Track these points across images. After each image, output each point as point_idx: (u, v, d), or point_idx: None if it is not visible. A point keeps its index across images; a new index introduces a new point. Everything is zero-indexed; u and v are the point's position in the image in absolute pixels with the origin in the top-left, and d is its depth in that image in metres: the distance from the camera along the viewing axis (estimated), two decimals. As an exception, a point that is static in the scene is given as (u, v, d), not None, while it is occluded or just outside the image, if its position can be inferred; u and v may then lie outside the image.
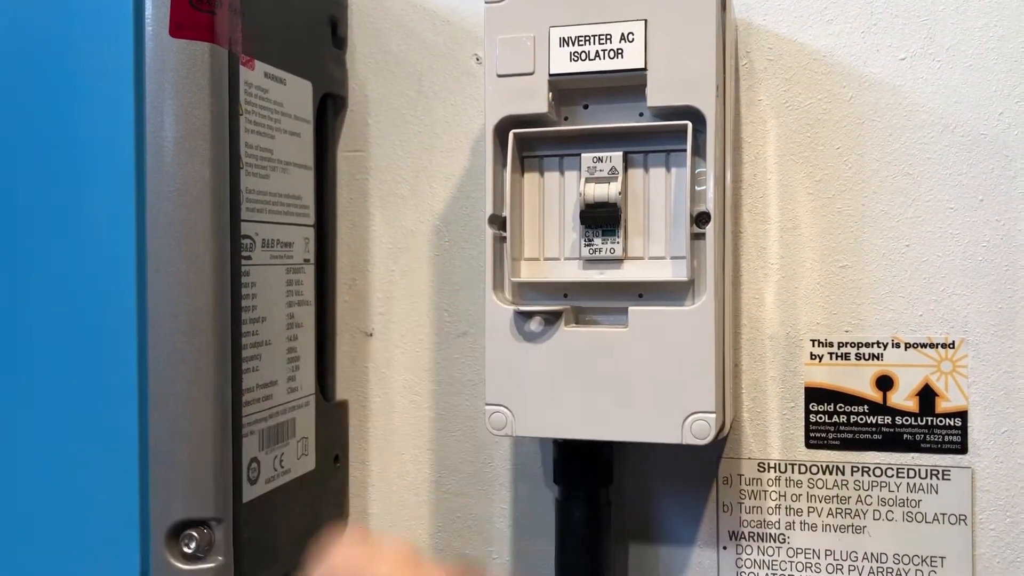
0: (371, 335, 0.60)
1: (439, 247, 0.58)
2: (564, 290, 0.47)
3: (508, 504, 0.58)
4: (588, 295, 0.47)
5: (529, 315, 0.46)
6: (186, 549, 0.43)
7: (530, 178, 0.48)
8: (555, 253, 0.48)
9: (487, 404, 0.47)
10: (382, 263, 0.60)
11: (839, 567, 0.53)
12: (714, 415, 0.44)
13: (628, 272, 0.46)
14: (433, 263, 0.59)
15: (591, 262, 0.47)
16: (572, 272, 0.47)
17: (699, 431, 0.44)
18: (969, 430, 0.51)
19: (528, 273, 0.48)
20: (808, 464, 0.53)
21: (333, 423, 0.58)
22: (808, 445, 0.53)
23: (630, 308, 0.45)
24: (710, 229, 0.44)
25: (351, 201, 0.60)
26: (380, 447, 0.60)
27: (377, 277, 0.60)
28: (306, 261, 0.54)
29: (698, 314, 0.44)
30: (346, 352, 0.60)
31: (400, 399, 0.60)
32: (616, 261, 0.47)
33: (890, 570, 0.52)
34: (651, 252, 0.46)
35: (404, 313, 0.59)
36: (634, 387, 0.45)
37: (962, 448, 0.51)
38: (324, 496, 0.57)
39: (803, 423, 0.53)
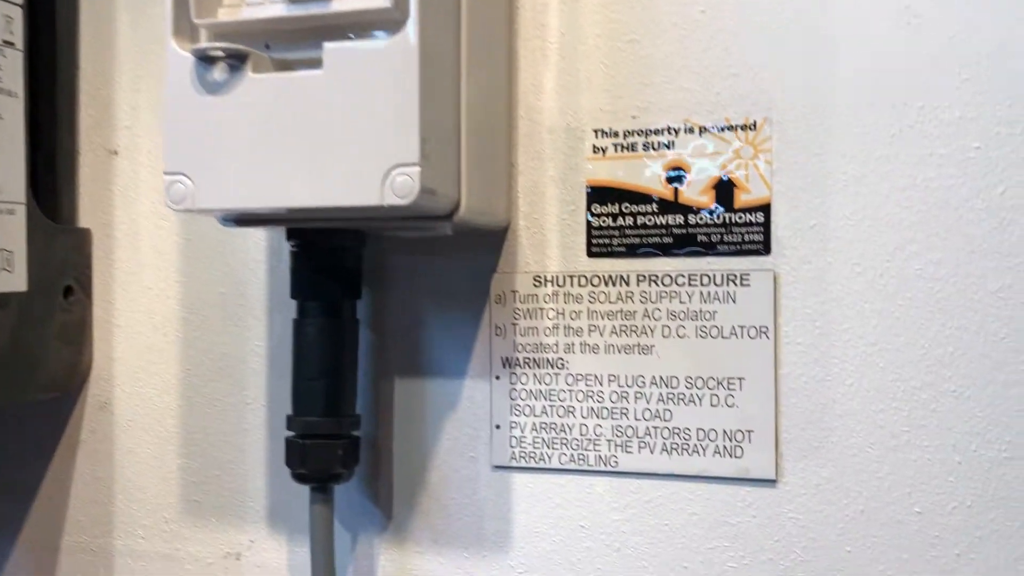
0: (116, 153, 0.51)
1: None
2: (263, 37, 0.38)
3: (263, 341, 0.49)
4: (291, 43, 0.38)
5: (211, 60, 0.37)
6: None
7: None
8: (259, -1, 0.39)
9: (165, 173, 0.38)
10: (128, 69, 0.51)
11: (624, 394, 0.44)
12: (418, 168, 0.35)
13: (332, 4, 0.37)
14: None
15: (296, 3, 0.38)
16: (268, 10, 0.38)
17: (401, 188, 0.35)
18: (773, 226, 0.42)
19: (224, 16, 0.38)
20: (589, 275, 0.44)
21: (67, 250, 0.49)
22: (590, 254, 0.44)
23: (325, 45, 0.36)
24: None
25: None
26: (126, 281, 0.51)
27: (122, 87, 0.51)
28: (6, 43, 0.45)
29: (398, 49, 0.35)
30: (89, 174, 0.52)
31: (147, 225, 0.50)
32: (325, 2, 0.38)
33: (681, 395, 0.43)
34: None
35: (152, 126, 0.51)
36: (330, 143, 0.35)
37: (764, 248, 0.42)
38: (46, 330, 0.48)
39: (584, 228, 0.44)
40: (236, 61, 0.36)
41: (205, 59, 0.36)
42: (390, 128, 0.34)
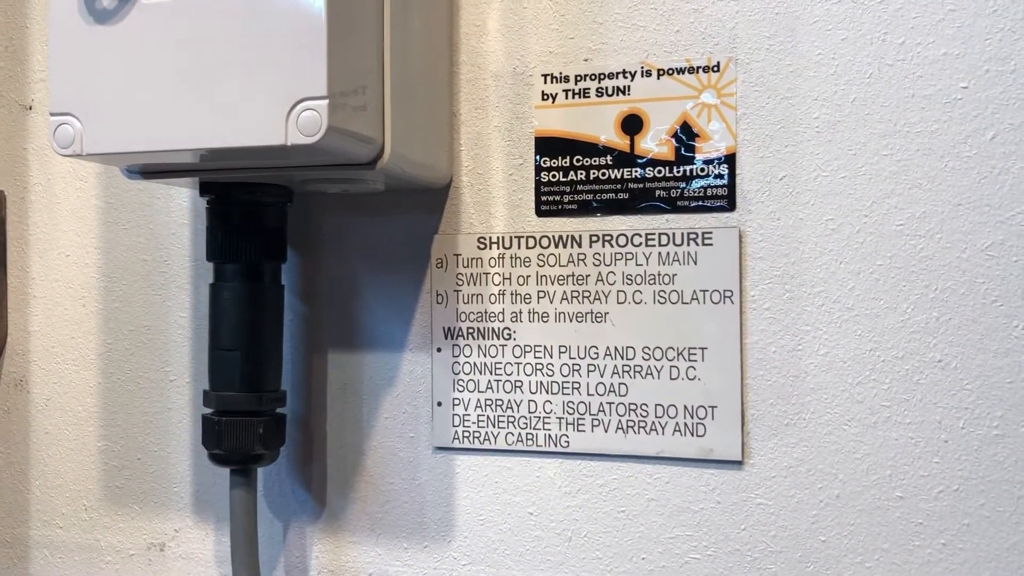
0: (30, 108, 0.47)
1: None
2: (160, -38, 0.34)
3: (187, 312, 0.45)
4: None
5: (97, -16, 0.33)
6: None
7: None
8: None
9: (51, 115, 0.34)
10: (42, 17, 0.47)
11: (576, 367, 0.39)
12: (326, 102, 0.31)
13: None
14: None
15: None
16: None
17: (307, 124, 0.31)
18: (738, 179, 0.38)
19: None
20: (538, 236, 0.40)
21: (-24, 215, 0.45)
22: (539, 213, 0.40)
23: (224, -35, 0.32)
24: None
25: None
26: (43, 248, 0.47)
27: (36, 36, 0.47)
28: None
29: (306, -36, 0.31)
30: (1, 131, 0.47)
31: (64, 186, 0.46)
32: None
33: (638, 368, 0.39)
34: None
35: (69, 79, 0.46)
36: (230, 77, 0.31)
37: (729, 204, 0.38)
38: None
39: (533, 184, 0.40)
40: (126, -15, 0.32)
41: (91, -17, 0.32)
42: (295, 57, 0.30)
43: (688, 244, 0.37)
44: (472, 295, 0.40)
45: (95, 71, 0.32)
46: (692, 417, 0.37)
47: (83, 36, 0.32)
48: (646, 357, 0.38)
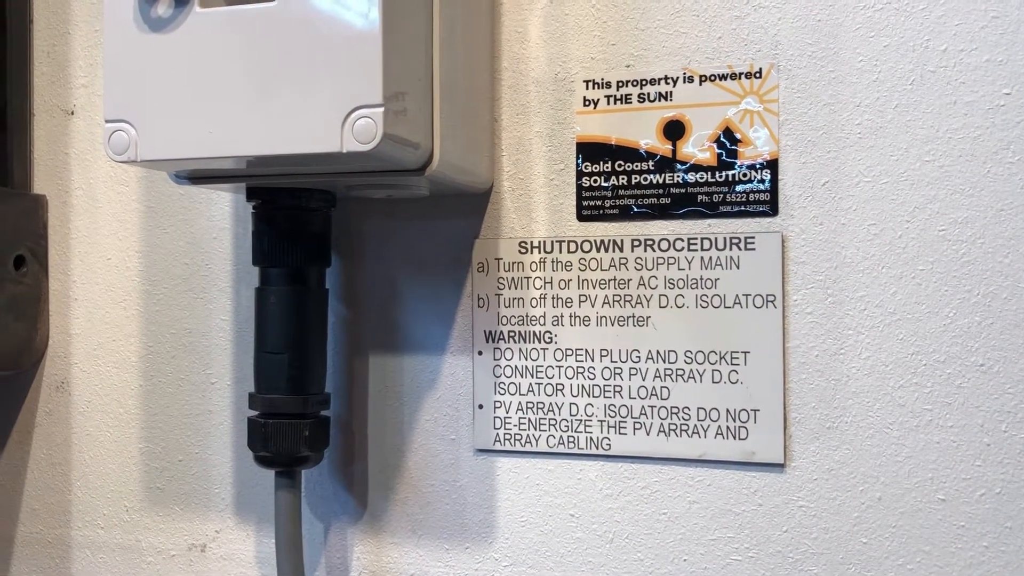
0: (72, 114, 0.47)
1: None
2: (213, -29, 0.35)
3: (228, 315, 0.45)
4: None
5: (153, -7, 0.33)
6: None
7: None
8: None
9: (106, 121, 0.34)
10: (84, 22, 0.47)
11: (617, 371, 0.40)
12: (381, 109, 0.31)
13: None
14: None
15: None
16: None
17: (363, 132, 0.31)
18: (780, 184, 0.38)
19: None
20: (580, 240, 0.40)
21: (19, 217, 0.45)
22: (580, 217, 0.40)
23: (279, -26, 0.32)
24: None
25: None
26: (84, 252, 0.47)
27: (79, 42, 0.47)
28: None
29: (362, -27, 0.31)
30: (43, 135, 0.48)
31: (106, 191, 0.47)
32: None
33: (680, 371, 0.39)
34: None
35: (111, 84, 0.47)
36: (285, 85, 0.32)
37: (771, 209, 0.38)
38: (-5, 303, 0.44)
39: (574, 189, 0.40)
40: (181, -6, 0.32)
41: (147, -9, 0.32)
42: (350, 66, 0.30)
43: (731, 248, 0.37)
44: (513, 299, 0.40)
45: (150, 79, 0.33)
46: (734, 420, 0.37)
47: (138, 44, 0.33)
48: (688, 361, 0.38)
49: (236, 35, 0.32)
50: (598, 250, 0.39)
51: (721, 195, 0.38)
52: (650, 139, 0.38)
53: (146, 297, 0.45)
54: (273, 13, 0.32)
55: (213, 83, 0.32)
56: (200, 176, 0.36)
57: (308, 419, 0.38)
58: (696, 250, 0.38)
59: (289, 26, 0.31)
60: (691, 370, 0.38)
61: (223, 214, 0.44)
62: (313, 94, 0.31)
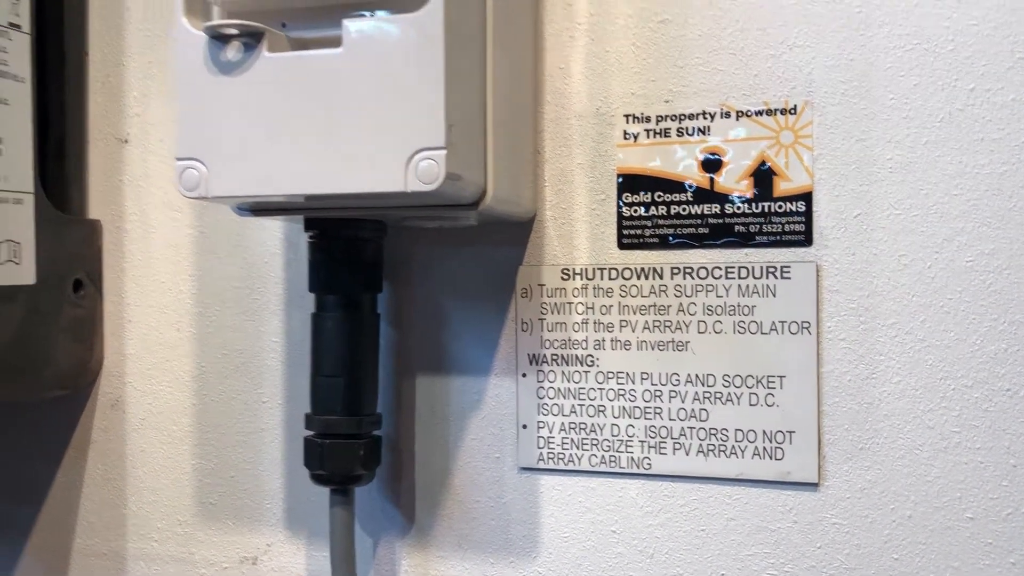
0: (126, 142, 0.49)
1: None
2: (279, 15, 0.36)
3: (280, 337, 0.47)
4: (309, 20, 0.36)
5: (224, 39, 0.35)
6: None
7: None
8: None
9: (177, 159, 0.36)
10: (138, 54, 0.49)
11: (658, 393, 0.41)
12: (443, 152, 0.33)
13: (349, -20, 0.35)
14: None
15: (315, -20, 0.36)
16: (284, -12, 0.36)
17: (426, 173, 0.33)
18: (815, 216, 0.40)
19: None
20: (620, 268, 0.42)
21: (77, 242, 0.47)
22: (621, 246, 0.42)
23: (344, 23, 0.34)
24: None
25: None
26: (137, 275, 0.49)
27: (132, 73, 0.49)
28: (12, 26, 0.43)
29: (423, 23, 0.33)
30: (99, 163, 0.50)
31: (159, 216, 0.49)
32: (342, -23, 0.36)
33: (719, 394, 0.41)
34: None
35: (162, 114, 0.49)
36: (350, 126, 0.33)
37: (806, 239, 0.40)
38: (54, 325, 0.45)
39: (615, 219, 0.42)
40: (251, 39, 0.34)
41: (218, 37, 0.34)
42: (414, 110, 0.32)
43: (767, 277, 0.39)
44: (556, 323, 0.42)
45: (220, 119, 0.35)
46: (771, 441, 0.39)
47: (208, 86, 0.35)
48: (726, 384, 0.39)
49: (302, 79, 0.34)
50: (638, 277, 0.41)
51: (757, 225, 0.39)
52: (689, 171, 0.40)
53: (199, 319, 0.47)
54: (338, 59, 0.33)
55: (280, 124, 0.34)
56: (261, 208, 0.38)
57: (362, 439, 0.40)
58: (734, 278, 0.39)
59: (354, 71, 0.33)
60: (729, 393, 0.39)
61: (274, 239, 0.46)
62: (377, 136, 0.33)
